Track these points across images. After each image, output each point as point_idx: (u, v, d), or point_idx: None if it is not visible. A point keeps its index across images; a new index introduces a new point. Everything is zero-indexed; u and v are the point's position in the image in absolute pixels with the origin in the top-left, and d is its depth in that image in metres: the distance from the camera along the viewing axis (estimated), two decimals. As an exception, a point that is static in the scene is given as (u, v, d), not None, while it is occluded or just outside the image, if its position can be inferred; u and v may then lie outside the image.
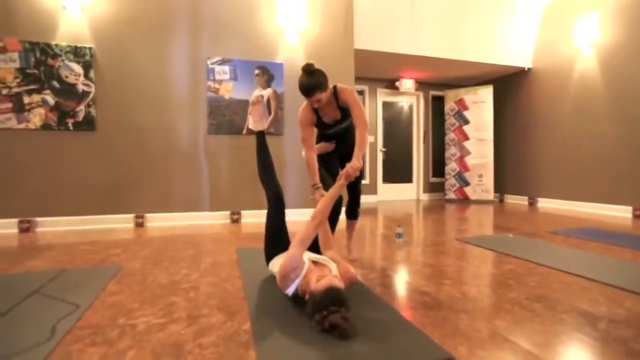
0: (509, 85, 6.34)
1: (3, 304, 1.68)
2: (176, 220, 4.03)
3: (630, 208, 4.50)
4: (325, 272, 1.58)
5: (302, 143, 2.24)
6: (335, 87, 2.17)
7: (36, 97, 3.60)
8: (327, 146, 2.42)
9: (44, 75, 3.61)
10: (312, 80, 2.01)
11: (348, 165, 1.90)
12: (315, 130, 2.36)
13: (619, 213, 4.59)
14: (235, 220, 4.18)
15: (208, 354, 1.24)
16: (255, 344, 1.30)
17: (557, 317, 1.54)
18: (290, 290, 1.58)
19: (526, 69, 5.94)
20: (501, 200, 6.50)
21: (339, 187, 1.89)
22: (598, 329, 1.43)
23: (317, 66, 2.10)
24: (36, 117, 3.61)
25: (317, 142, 2.43)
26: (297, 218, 4.25)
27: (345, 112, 2.23)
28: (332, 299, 1.37)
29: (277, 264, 1.84)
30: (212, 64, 4.11)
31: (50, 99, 3.64)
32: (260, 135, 2.18)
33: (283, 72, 4.32)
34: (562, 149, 5.42)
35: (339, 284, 1.49)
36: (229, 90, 4.17)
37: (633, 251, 2.71)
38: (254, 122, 2.21)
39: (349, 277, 1.71)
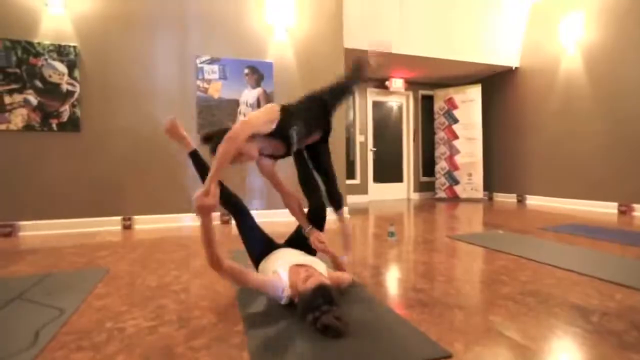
0: (497, 84, 6.42)
1: (-17, 310, 1.61)
2: (165, 222, 3.95)
3: (615, 204, 4.59)
4: (310, 271, 1.55)
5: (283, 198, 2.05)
6: None
7: (18, 97, 3.50)
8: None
9: (26, 75, 3.51)
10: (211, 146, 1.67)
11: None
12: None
13: (605, 209, 4.68)
14: (225, 221, 4.13)
15: (200, 356, 1.20)
16: (249, 345, 1.27)
17: (550, 311, 1.54)
18: (283, 302, 1.56)
19: (514, 68, 6.02)
20: (490, 199, 6.57)
21: None
22: (591, 322, 1.44)
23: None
24: (18, 118, 3.50)
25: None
26: (287, 219, 4.22)
27: (285, 137, 1.70)
28: (322, 297, 1.35)
29: (266, 269, 1.77)
30: (201, 63, 4.05)
31: (33, 99, 3.54)
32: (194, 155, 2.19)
33: (272, 72, 4.28)
34: (549, 147, 5.51)
35: (327, 281, 1.47)
36: (218, 90, 4.12)
37: (620, 246, 2.75)
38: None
39: (343, 280, 1.71)
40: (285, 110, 1.67)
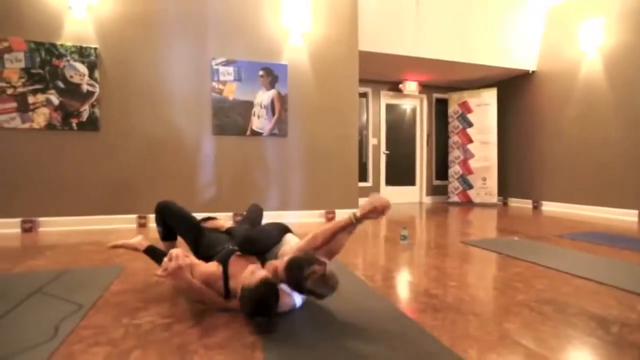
0: (513, 88, 6.32)
1: (5, 303, 1.66)
2: (179, 221, 4.01)
3: (636, 212, 4.46)
4: (274, 264, 1.57)
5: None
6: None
7: (41, 97, 3.60)
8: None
9: (48, 75, 3.62)
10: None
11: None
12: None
13: (625, 217, 4.55)
14: (239, 221, 4.15)
15: (214, 354, 1.21)
16: (262, 344, 1.28)
17: (568, 321, 1.51)
18: (298, 306, 1.57)
19: (530, 72, 5.92)
20: (505, 204, 6.46)
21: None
22: (611, 332, 1.40)
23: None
24: (40, 117, 3.61)
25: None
26: (300, 220, 4.24)
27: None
28: (296, 267, 1.41)
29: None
30: (216, 64, 4.10)
31: (55, 99, 3.64)
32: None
33: (287, 74, 4.31)
34: (566, 152, 5.39)
35: (284, 258, 1.51)
36: (233, 91, 4.16)
37: (641, 255, 2.67)
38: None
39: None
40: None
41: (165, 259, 1.50)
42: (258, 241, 1.72)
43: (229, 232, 2.00)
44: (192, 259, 1.61)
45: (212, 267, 1.60)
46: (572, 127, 5.30)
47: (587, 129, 5.08)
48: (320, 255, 1.56)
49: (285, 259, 1.48)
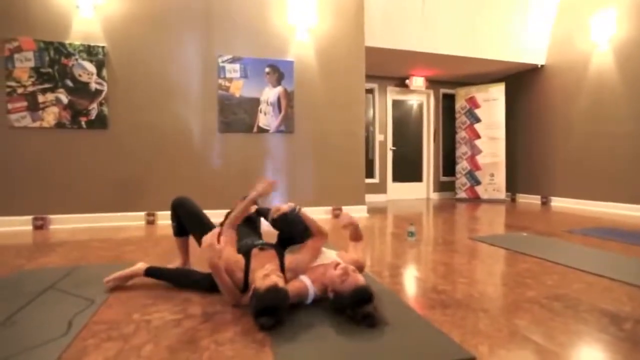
0: (521, 82, 6.24)
1: (20, 298, 1.69)
2: (187, 218, 4.04)
3: (648, 207, 4.39)
4: (345, 270, 1.53)
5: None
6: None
7: (50, 96, 3.64)
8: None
9: (57, 74, 3.65)
10: None
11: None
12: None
13: (636, 212, 4.48)
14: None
15: (225, 350, 1.22)
16: (272, 340, 1.28)
17: (579, 317, 1.50)
18: (308, 302, 1.58)
19: (539, 66, 5.84)
20: (513, 200, 6.41)
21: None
22: (624, 329, 1.38)
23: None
24: (50, 116, 3.65)
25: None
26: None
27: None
28: (360, 298, 1.40)
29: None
30: (222, 62, 4.11)
31: (64, 98, 3.68)
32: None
33: (293, 70, 4.30)
34: (576, 147, 5.32)
35: (361, 279, 1.48)
36: (239, 88, 4.17)
37: (654, 251, 2.63)
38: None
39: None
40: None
41: (209, 235, 1.49)
42: (298, 225, 1.78)
43: (259, 211, 2.07)
44: (225, 240, 1.62)
45: (238, 256, 1.63)
46: (582, 121, 5.23)
47: (597, 123, 5.00)
48: (353, 267, 1.60)
49: (356, 276, 1.47)
